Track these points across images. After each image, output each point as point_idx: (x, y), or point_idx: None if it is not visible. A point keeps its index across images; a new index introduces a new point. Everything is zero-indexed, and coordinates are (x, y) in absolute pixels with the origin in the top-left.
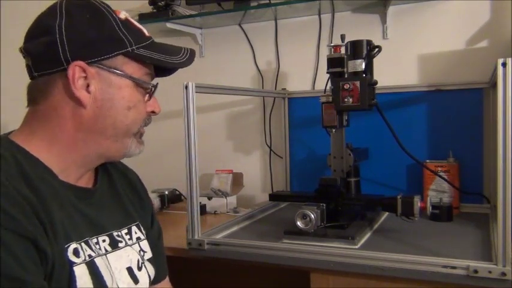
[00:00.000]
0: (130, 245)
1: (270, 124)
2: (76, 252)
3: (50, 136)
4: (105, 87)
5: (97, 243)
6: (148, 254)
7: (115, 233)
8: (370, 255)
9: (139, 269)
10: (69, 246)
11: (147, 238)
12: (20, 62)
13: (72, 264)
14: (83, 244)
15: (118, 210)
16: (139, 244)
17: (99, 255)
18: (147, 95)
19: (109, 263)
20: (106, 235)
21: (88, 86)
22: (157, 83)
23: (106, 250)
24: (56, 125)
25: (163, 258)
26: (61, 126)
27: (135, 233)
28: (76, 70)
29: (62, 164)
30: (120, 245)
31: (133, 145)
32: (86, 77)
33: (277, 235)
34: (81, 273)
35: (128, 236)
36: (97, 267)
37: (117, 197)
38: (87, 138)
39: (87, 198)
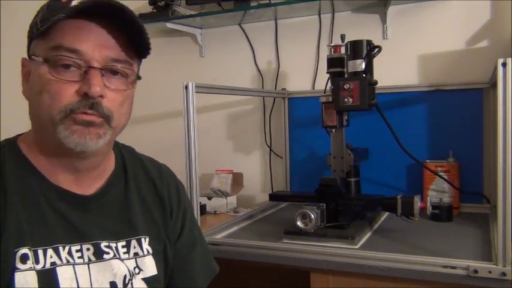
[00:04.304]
0: (120, 259)
1: (270, 124)
2: (24, 258)
3: (33, 134)
4: (32, 76)
5: (79, 250)
6: (147, 273)
7: (103, 244)
8: (370, 255)
9: (125, 285)
10: (18, 251)
11: (164, 252)
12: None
13: (14, 269)
14: (49, 250)
15: (119, 220)
16: (136, 260)
17: (69, 263)
18: (73, 74)
19: (90, 273)
20: (90, 244)
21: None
22: (61, 55)
23: (90, 259)
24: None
25: (197, 272)
26: (31, 121)
27: (134, 247)
28: (22, 65)
29: (46, 165)
30: (105, 256)
31: (63, 133)
32: (29, 72)
33: (277, 235)
34: (24, 280)
35: (124, 249)
36: (55, 275)
37: (125, 208)
38: (39, 130)
39: (79, 204)
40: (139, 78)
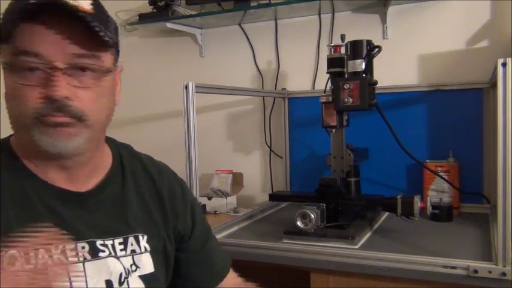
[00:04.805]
0: (116, 257)
1: (270, 124)
2: (12, 260)
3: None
4: (4, 80)
5: (74, 249)
6: (144, 270)
7: (99, 242)
8: (370, 255)
9: (121, 283)
10: (6, 253)
11: (164, 250)
12: None
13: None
14: (41, 250)
15: (116, 218)
16: (132, 257)
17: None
18: (37, 77)
19: (85, 272)
20: (85, 242)
21: None
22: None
23: (85, 258)
24: None
25: (218, 260)
26: None
27: (131, 244)
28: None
29: (36, 164)
30: (101, 254)
31: (37, 137)
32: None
33: (277, 235)
34: None
35: (121, 246)
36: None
37: (122, 205)
38: (18, 133)
39: (75, 202)
40: (109, 71)
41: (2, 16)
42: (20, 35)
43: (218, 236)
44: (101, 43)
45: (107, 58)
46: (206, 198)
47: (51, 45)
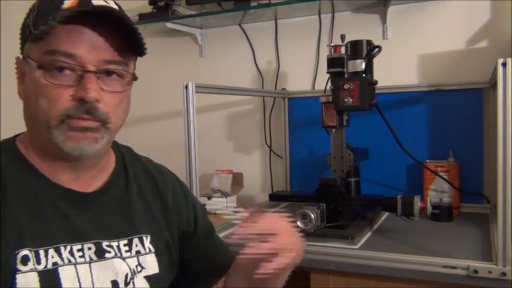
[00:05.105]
0: (122, 257)
1: (270, 124)
2: (24, 260)
3: (29, 135)
4: (27, 78)
5: (81, 250)
6: (149, 271)
7: (105, 243)
8: (370, 255)
9: (126, 284)
10: (18, 253)
11: (167, 251)
12: None
13: (16, 272)
14: (50, 250)
15: (120, 219)
16: (137, 258)
17: (71, 263)
18: (68, 78)
19: (91, 272)
20: (92, 243)
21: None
22: (59, 60)
23: (91, 259)
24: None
25: (223, 254)
26: (25, 122)
27: (136, 246)
28: (17, 64)
29: (45, 164)
30: (107, 255)
31: (59, 139)
32: (24, 71)
33: None
34: (26, 282)
35: (126, 248)
36: (57, 276)
37: (126, 206)
38: (34, 132)
39: (80, 203)
40: (135, 78)
41: (33, 14)
42: (53, 35)
43: None
44: (134, 50)
45: (131, 65)
46: (206, 198)
47: (86, 48)
